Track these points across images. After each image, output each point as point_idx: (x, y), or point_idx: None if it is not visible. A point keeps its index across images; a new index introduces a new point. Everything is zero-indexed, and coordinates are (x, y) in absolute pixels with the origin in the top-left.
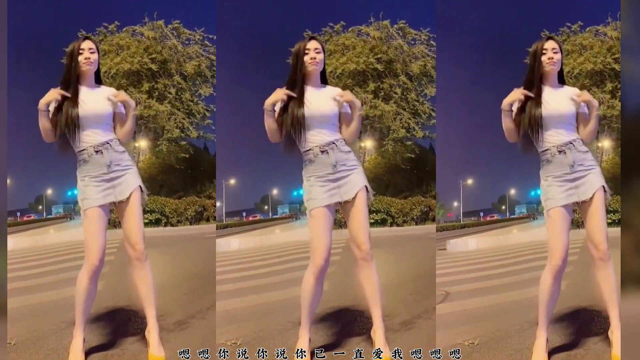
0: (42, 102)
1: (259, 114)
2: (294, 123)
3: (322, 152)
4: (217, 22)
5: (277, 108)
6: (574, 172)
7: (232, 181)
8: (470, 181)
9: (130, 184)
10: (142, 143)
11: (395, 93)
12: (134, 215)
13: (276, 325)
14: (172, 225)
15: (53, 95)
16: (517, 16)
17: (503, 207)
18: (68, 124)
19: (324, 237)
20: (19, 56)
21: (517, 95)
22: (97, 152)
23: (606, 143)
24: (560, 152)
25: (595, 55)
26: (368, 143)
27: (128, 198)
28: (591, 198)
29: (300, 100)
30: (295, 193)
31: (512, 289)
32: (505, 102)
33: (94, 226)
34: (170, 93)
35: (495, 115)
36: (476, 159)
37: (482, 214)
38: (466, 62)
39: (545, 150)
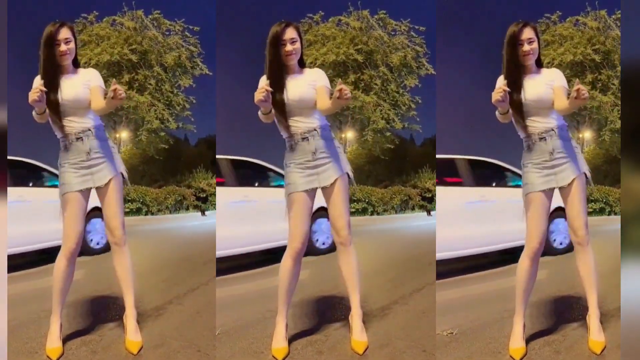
0: (31, 102)
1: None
2: (275, 110)
3: (303, 139)
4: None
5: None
6: (553, 159)
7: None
8: None
9: (110, 170)
10: (123, 134)
11: (376, 84)
12: (113, 202)
13: (254, 314)
14: (152, 214)
15: (33, 96)
16: (495, 6)
17: None
18: (50, 112)
19: (302, 222)
20: None
21: (497, 95)
22: (77, 139)
23: (587, 134)
24: (541, 139)
25: (575, 46)
26: (349, 134)
27: (107, 184)
28: (570, 184)
29: (280, 87)
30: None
31: (492, 279)
32: (494, 101)
33: (71, 210)
34: (150, 84)
35: (478, 105)
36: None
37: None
38: (448, 55)
39: (527, 137)
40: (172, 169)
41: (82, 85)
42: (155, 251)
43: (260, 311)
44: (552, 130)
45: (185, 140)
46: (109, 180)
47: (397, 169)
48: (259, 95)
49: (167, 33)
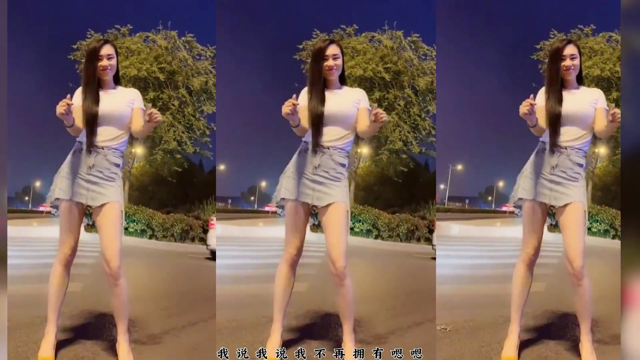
0: (58, 114)
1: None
2: (314, 121)
3: (314, 150)
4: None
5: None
6: (552, 174)
7: (222, 167)
8: (460, 167)
9: (104, 196)
10: (138, 150)
11: (399, 105)
12: (108, 228)
13: (250, 319)
14: (157, 239)
15: (60, 109)
16: (527, 14)
17: (489, 198)
18: (88, 122)
19: (295, 231)
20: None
21: (524, 108)
22: (89, 151)
23: (602, 150)
24: (552, 150)
25: (604, 62)
26: (364, 150)
27: (101, 207)
28: (564, 207)
29: (320, 99)
30: None
31: (492, 282)
32: (522, 114)
33: (63, 219)
34: (173, 105)
35: (496, 103)
36: (469, 145)
37: (467, 201)
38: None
39: (543, 142)
40: (183, 196)
41: (125, 102)
42: (157, 277)
43: (256, 317)
44: (566, 148)
45: (200, 167)
46: (104, 204)
47: (407, 195)
48: (285, 108)
49: (197, 57)
